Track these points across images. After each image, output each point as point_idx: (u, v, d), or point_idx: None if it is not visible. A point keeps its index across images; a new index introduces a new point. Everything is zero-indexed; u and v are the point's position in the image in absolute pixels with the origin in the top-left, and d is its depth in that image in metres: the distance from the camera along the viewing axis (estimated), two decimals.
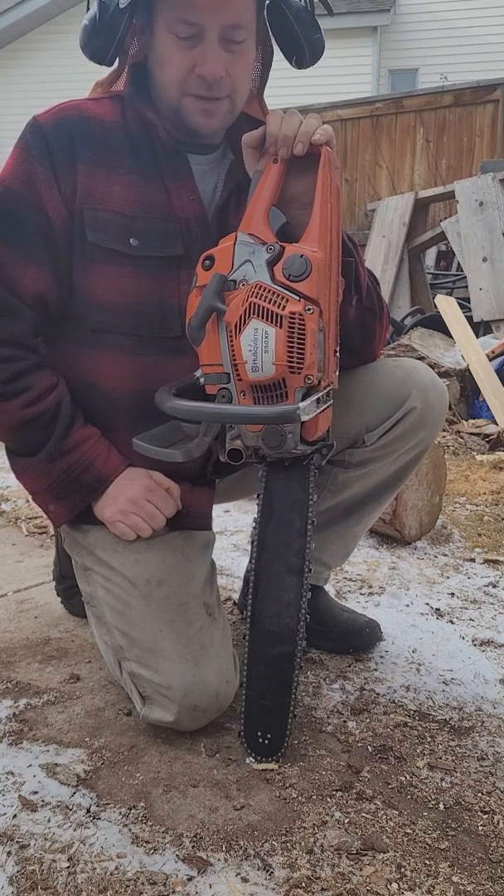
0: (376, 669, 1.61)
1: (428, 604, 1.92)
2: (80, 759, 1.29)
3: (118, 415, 1.38)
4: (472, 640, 1.73)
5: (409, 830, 1.14)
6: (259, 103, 1.45)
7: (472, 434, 3.80)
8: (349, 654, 1.65)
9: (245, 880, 1.04)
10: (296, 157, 1.24)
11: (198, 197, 1.36)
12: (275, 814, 1.17)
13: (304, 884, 1.03)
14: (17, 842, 1.10)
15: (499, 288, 5.02)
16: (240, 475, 1.52)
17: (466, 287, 5.39)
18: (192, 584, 1.37)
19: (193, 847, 1.10)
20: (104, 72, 1.40)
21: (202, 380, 1.27)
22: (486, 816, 1.18)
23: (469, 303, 5.17)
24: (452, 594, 1.99)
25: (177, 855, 1.08)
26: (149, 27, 1.29)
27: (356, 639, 1.67)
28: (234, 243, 1.23)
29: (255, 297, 1.18)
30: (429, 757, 1.32)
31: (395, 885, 1.04)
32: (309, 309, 1.17)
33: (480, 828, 1.16)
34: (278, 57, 1.39)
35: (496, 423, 3.87)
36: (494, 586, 2.05)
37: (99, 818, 1.15)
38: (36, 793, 1.21)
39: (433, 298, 5.28)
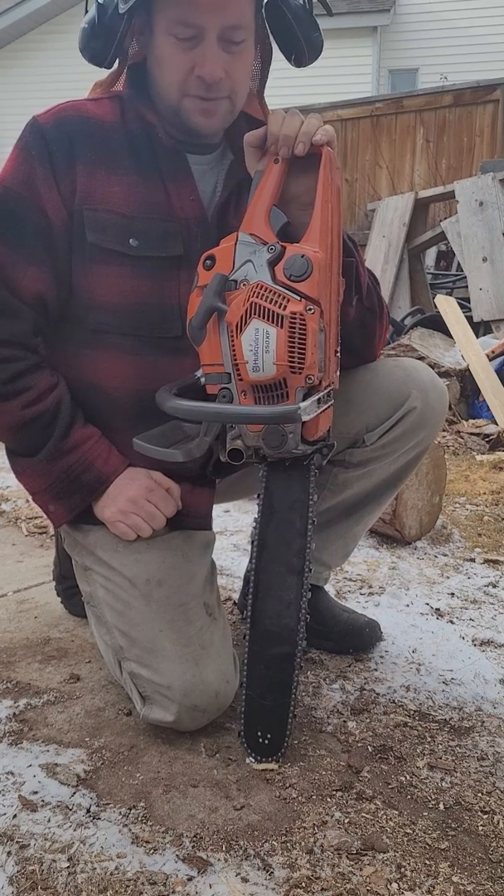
0: (376, 669, 1.61)
1: (428, 604, 1.92)
2: (80, 759, 1.29)
3: (118, 415, 1.38)
4: (472, 640, 1.73)
5: (409, 830, 1.14)
6: (259, 102, 1.45)
7: (472, 434, 3.80)
8: (349, 654, 1.65)
9: (245, 880, 1.04)
10: (297, 157, 1.24)
11: (197, 197, 1.36)
12: (275, 814, 1.17)
13: (304, 884, 1.03)
14: (17, 842, 1.10)
15: (499, 288, 5.02)
16: (240, 475, 1.52)
17: (466, 287, 5.40)
18: (192, 584, 1.37)
19: (193, 847, 1.10)
20: (104, 72, 1.40)
21: (203, 380, 1.27)
22: (486, 816, 1.18)
23: (469, 303, 5.17)
24: (452, 594, 1.99)
25: (177, 855, 1.08)
26: (147, 28, 1.29)
27: (356, 639, 1.67)
28: (236, 243, 1.23)
29: (257, 297, 1.18)
30: (429, 757, 1.32)
31: (395, 885, 1.04)
32: (310, 309, 1.17)
33: (480, 828, 1.16)
34: (278, 56, 1.39)
35: (496, 423, 3.87)
36: (494, 586, 2.05)
37: (99, 818, 1.15)
38: (36, 793, 1.21)
39: (433, 298, 5.29)
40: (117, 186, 1.31)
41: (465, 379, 4.24)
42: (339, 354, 1.29)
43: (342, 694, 1.51)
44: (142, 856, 1.08)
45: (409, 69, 11.57)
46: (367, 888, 1.03)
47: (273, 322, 1.17)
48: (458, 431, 3.85)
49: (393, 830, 1.14)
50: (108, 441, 1.38)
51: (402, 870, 1.06)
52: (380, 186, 7.21)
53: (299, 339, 1.16)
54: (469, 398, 4.25)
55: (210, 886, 1.03)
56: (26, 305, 1.32)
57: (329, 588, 1.83)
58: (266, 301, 1.17)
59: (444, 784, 1.25)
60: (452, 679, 1.58)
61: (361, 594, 1.98)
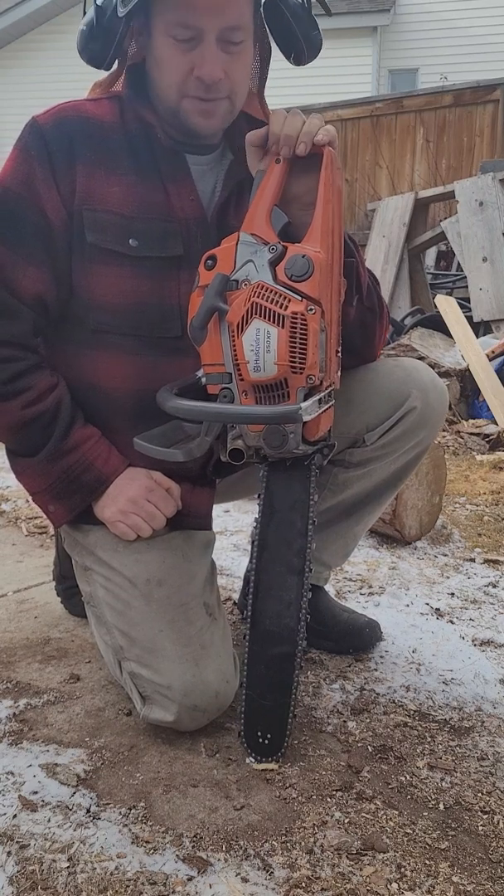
0: (376, 669, 1.61)
1: (428, 604, 1.92)
2: (80, 759, 1.29)
3: (119, 415, 1.38)
4: (472, 640, 1.73)
5: (409, 830, 1.14)
6: (259, 102, 1.45)
7: (472, 434, 3.80)
8: (349, 654, 1.65)
9: (245, 880, 1.04)
10: (298, 157, 1.24)
11: (197, 197, 1.36)
12: (275, 814, 1.17)
13: (304, 884, 1.03)
14: (17, 842, 1.10)
15: (499, 288, 5.02)
16: (240, 475, 1.52)
17: (466, 287, 5.40)
18: (192, 584, 1.37)
19: (193, 847, 1.10)
20: (103, 73, 1.40)
21: (204, 379, 1.27)
22: (486, 816, 1.18)
23: (469, 303, 5.17)
24: (452, 594, 1.99)
25: (177, 855, 1.08)
26: (146, 29, 1.29)
27: (356, 639, 1.67)
28: (237, 243, 1.23)
29: (258, 296, 1.18)
30: (429, 757, 1.32)
31: (395, 885, 1.04)
32: (311, 309, 1.17)
33: (480, 828, 1.16)
34: (278, 56, 1.39)
35: (496, 423, 3.87)
36: (494, 586, 2.05)
37: (99, 818, 1.15)
38: (36, 793, 1.21)
39: (433, 298, 5.29)
40: (117, 187, 1.31)
41: (465, 379, 4.24)
42: (339, 354, 1.29)
43: (342, 694, 1.51)
44: (142, 856, 1.08)
45: (409, 69, 11.57)
46: (367, 888, 1.03)
47: (274, 322, 1.17)
48: (458, 431, 3.85)
49: (393, 830, 1.14)
50: (108, 441, 1.38)
51: (402, 870, 1.06)
52: (380, 186, 7.21)
53: (300, 339, 1.16)
54: (469, 398, 4.26)
55: (210, 886, 1.03)
56: (26, 306, 1.32)
57: (329, 588, 1.83)
58: (267, 301, 1.17)
59: (444, 784, 1.25)
60: (452, 679, 1.58)
61: (361, 594, 1.98)
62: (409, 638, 1.74)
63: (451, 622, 1.83)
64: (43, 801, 1.19)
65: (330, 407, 1.27)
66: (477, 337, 4.57)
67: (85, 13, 1.30)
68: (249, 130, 1.30)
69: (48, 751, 1.31)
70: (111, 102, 1.36)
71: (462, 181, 5.52)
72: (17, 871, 1.04)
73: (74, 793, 1.21)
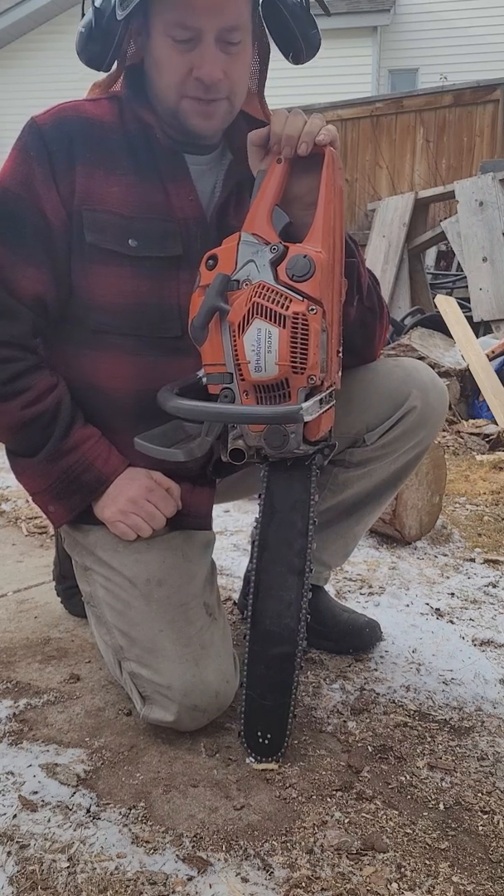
0: (376, 669, 1.61)
1: (428, 604, 1.92)
2: (80, 759, 1.29)
3: (119, 415, 1.38)
4: (472, 640, 1.73)
5: (409, 830, 1.14)
6: (259, 102, 1.45)
7: (472, 434, 3.80)
8: (349, 654, 1.65)
9: (245, 880, 1.04)
10: (300, 157, 1.24)
11: (196, 197, 1.36)
12: (275, 814, 1.17)
13: (304, 884, 1.03)
14: (17, 842, 1.10)
15: (499, 288, 5.02)
16: (240, 475, 1.52)
17: (466, 287, 5.40)
18: (192, 584, 1.37)
19: (193, 847, 1.10)
20: (103, 73, 1.40)
21: (205, 379, 1.27)
22: (486, 816, 1.18)
23: (469, 303, 5.17)
24: (452, 594, 1.99)
25: (177, 855, 1.08)
26: (145, 30, 1.29)
27: (356, 639, 1.67)
28: (238, 243, 1.23)
29: (259, 296, 1.18)
30: (429, 757, 1.32)
31: (395, 885, 1.04)
32: (312, 309, 1.17)
33: (480, 828, 1.16)
34: (277, 56, 1.39)
35: (496, 423, 3.87)
36: (494, 586, 2.05)
37: (99, 818, 1.15)
38: (36, 793, 1.21)
39: (433, 298, 5.29)
40: (116, 187, 1.31)
41: (465, 379, 4.24)
42: (341, 355, 1.29)
43: (342, 694, 1.51)
44: (142, 856, 1.08)
45: (409, 69, 11.57)
46: (367, 888, 1.03)
47: (275, 322, 1.17)
48: (458, 431, 3.85)
49: (393, 830, 1.14)
50: (108, 441, 1.38)
51: (402, 870, 1.06)
52: (380, 186, 7.21)
53: (301, 339, 1.16)
54: (469, 398, 4.26)
55: (210, 886, 1.03)
56: (25, 306, 1.32)
57: (329, 588, 1.83)
58: (268, 301, 1.17)
59: (444, 784, 1.25)
60: (452, 679, 1.58)
61: (361, 594, 1.98)
62: (409, 638, 1.74)
63: (451, 622, 1.83)
64: (43, 801, 1.19)
65: (331, 407, 1.27)
66: (477, 337, 4.57)
67: (83, 15, 1.30)
68: (249, 130, 1.30)
69: (48, 751, 1.31)
70: (110, 102, 1.36)
71: (462, 181, 5.52)
72: (17, 871, 1.04)
73: (74, 793, 1.21)
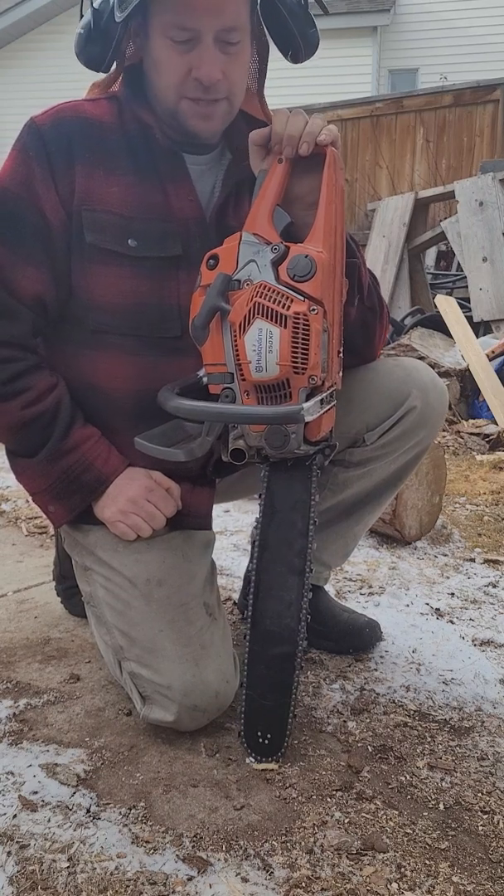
0: (376, 669, 1.61)
1: (428, 604, 1.92)
2: (80, 759, 1.29)
3: (119, 415, 1.38)
4: (472, 640, 1.73)
5: (409, 830, 1.14)
6: (259, 101, 1.45)
7: (472, 434, 3.80)
8: (349, 654, 1.65)
9: (245, 880, 1.04)
10: (301, 157, 1.24)
11: (195, 197, 1.36)
12: (275, 814, 1.17)
13: (304, 884, 1.03)
14: (17, 842, 1.10)
15: (499, 288, 5.02)
16: (240, 475, 1.52)
17: (466, 287, 5.40)
18: (192, 584, 1.37)
19: (193, 847, 1.10)
20: (102, 73, 1.40)
21: (205, 379, 1.27)
22: (486, 816, 1.18)
23: (469, 303, 5.17)
24: (452, 594, 1.99)
25: (177, 855, 1.08)
26: (143, 30, 1.29)
27: (356, 639, 1.67)
28: (239, 243, 1.23)
29: (260, 296, 1.18)
30: (429, 757, 1.32)
31: (395, 885, 1.04)
32: (313, 309, 1.17)
33: (480, 828, 1.16)
34: (277, 56, 1.39)
35: (496, 423, 3.87)
36: (494, 586, 2.05)
37: (99, 818, 1.15)
38: (36, 793, 1.21)
39: (433, 298, 5.29)
40: (115, 187, 1.31)
41: (465, 379, 4.24)
42: (341, 355, 1.29)
43: (342, 694, 1.51)
44: (142, 856, 1.08)
45: (409, 69, 11.57)
46: (367, 888, 1.03)
47: (276, 322, 1.17)
48: (458, 431, 3.85)
49: (393, 830, 1.14)
50: (108, 441, 1.38)
51: (402, 870, 1.06)
52: (380, 186, 7.21)
53: (303, 339, 1.16)
54: (469, 398, 4.26)
55: (210, 886, 1.03)
56: (25, 306, 1.32)
57: (329, 588, 1.83)
58: (269, 301, 1.17)
59: (444, 784, 1.25)
60: (452, 679, 1.58)
61: (361, 594, 1.98)
62: (409, 638, 1.74)
63: (451, 622, 1.83)
64: (43, 801, 1.19)
65: (332, 407, 1.27)
66: (477, 337, 4.57)
67: (82, 16, 1.30)
68: (249, 130, 1.30)
69: (48, 751, 1.31)
70: (109, 103, 1.36)
71: (462, 181, 5.52)
72: (17, 871, 1.04)
73: (74, 793, 1.21)
